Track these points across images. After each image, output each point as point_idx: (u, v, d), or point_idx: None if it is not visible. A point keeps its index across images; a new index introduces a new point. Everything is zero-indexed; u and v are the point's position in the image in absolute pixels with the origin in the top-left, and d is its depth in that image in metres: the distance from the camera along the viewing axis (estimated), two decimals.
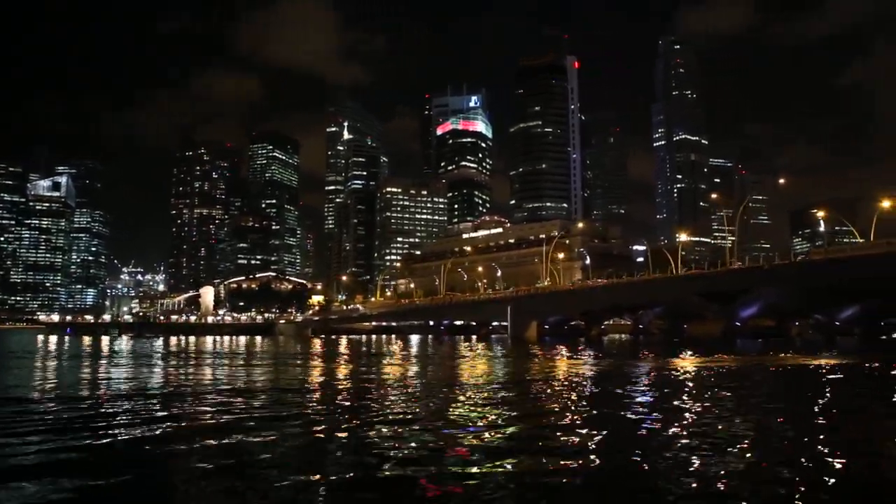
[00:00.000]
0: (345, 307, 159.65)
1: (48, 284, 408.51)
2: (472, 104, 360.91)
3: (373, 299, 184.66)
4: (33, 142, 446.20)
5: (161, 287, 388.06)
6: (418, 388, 27.71)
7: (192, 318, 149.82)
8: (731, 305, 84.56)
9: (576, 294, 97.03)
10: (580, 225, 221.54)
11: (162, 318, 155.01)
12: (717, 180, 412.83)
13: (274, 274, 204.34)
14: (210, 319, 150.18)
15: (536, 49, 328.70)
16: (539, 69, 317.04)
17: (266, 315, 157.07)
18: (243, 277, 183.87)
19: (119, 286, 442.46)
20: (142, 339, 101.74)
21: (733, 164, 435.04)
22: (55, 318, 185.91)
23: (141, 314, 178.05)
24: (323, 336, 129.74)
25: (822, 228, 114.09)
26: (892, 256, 65.29)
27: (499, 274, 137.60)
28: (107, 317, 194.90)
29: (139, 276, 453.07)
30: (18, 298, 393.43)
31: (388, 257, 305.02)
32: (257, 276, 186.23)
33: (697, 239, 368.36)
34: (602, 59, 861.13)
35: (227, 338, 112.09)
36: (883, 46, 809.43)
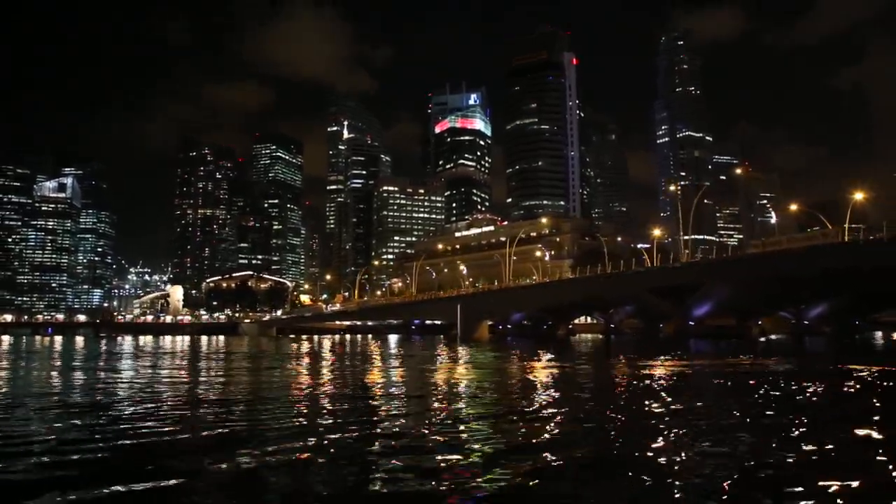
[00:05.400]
0: (324, 306, 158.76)
1: (54, 285, 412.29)
2: (471, 102, 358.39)
3: (366, 299, 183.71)
4: (40, 144, 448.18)
5: (168, 287, 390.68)
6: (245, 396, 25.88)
7: (149, 318, 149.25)
8: (684, 303, 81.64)
9: (523, 292, 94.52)
10: (570, 222, 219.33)
11: (120, 317, 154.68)
12: (723, 178, 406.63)
13: (252, 272, 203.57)
14: (169, 319, 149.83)
15: (535, 46, 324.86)
16: (534, 66, 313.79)
17: (238, 314, 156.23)
18: (219, 277, 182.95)
19: (127, 286, 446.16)
20: (94, 339, 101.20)
21: (739, 161, 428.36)
22: (8, 318, 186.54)
23: (104, 313, 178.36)
24: (292, 336, 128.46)
25: (773, 221, 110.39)
26: (829, 248, 61.99)
27: (464, 271, 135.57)
28: (60, 316, 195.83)
29: (146, 277, 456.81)
30: (25, 299, 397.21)
31: (384, 256, 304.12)
32: (234, 274, 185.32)
33: (702, 237, 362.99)
34: (602, 57, 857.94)
35: (186, 337, 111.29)
36: (876, 48, 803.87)
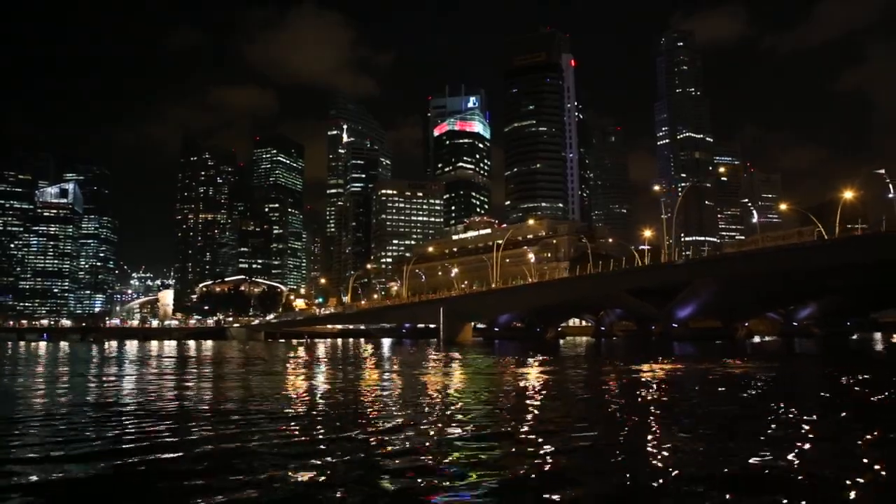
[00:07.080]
0: (316, 310, 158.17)
1: (56, 290, 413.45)
2: (470, 104, 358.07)
3: (363, 302, 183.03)
4: (42, 149, 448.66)
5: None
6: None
7: (135, 323, 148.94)
8: (667, 305, 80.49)
9: (508, 294, 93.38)
10: (567, 225, 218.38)
11: (109, 322, 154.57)
12: (724, 179, 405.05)
13: (244, 277, 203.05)
14: (154, 323, 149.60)
15: (534, 47, 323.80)
16: (533, 67, 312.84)
17: (230, 318, 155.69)
18: (211, 282, 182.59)
19: (129, 291, 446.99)
20: (77, 344, 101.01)
21: (740, 163, 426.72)
22: None
23: (92, 319, 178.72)
24: (282, 340, 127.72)
25: (754, 219, 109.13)
26: (803, 246, 60.83)
27: (456, 274, 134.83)
28: (44, 321, 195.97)
29: (149, 282, 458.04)
30: (27, 304, 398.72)
31: (383, 260, 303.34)
32: (228, 279, 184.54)
33: (703, 238, 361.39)
34: (602, 58, 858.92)
35: (173, 342, 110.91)
36: (876, 52, 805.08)
